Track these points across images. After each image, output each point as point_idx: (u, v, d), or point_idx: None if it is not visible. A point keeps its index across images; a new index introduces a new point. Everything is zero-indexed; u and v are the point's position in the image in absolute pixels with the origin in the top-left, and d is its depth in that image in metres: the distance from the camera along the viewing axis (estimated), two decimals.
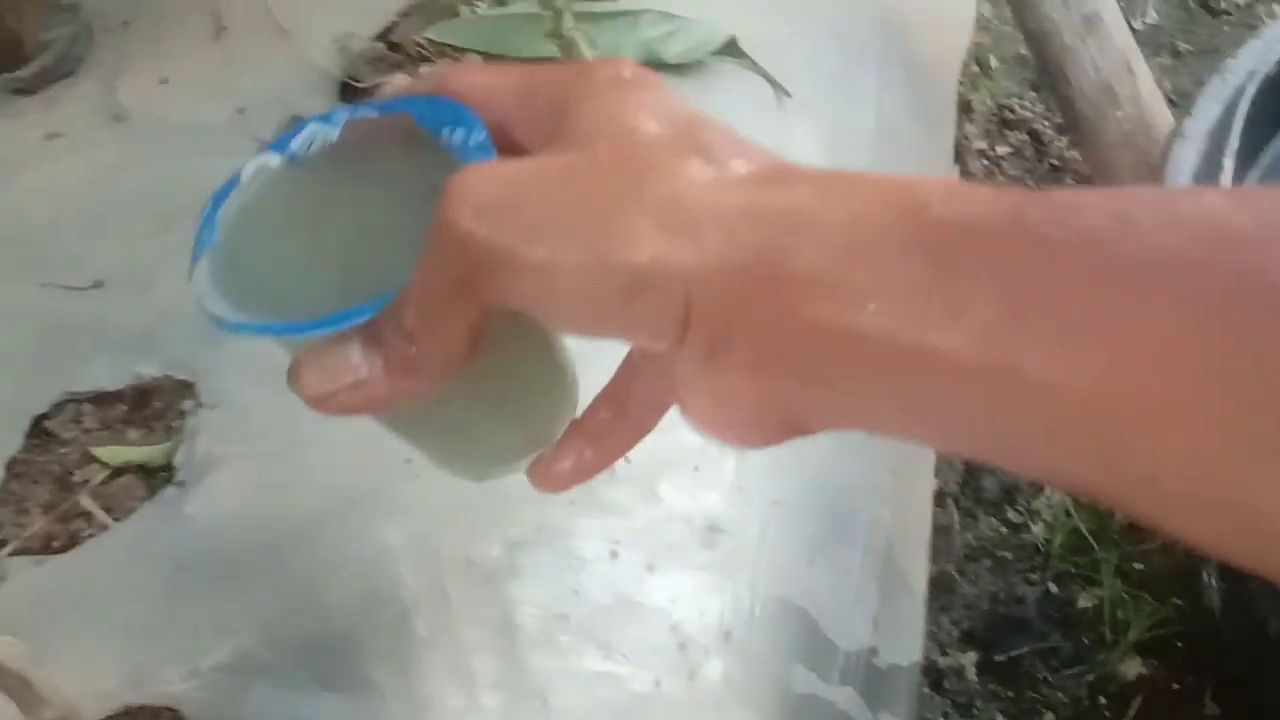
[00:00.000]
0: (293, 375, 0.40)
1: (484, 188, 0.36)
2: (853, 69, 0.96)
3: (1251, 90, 0.84)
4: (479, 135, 0.42)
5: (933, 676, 0.94)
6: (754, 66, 0.83)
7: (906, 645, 0.72)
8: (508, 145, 0.42)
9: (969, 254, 0.31)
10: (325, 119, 0.46)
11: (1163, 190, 0.30)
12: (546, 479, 0.46)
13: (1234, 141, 0.81)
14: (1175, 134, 0.84)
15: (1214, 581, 0.86)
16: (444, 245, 0.36)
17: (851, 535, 0.70)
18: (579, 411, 0.47)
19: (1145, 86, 1.12)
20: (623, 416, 0.45)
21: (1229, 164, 0.81)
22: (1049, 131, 1.42)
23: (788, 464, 0.67)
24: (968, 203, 0.32)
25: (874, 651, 0.68)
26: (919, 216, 0.32)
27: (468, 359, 0.39)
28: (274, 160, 0.46)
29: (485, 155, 0.42)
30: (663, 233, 0.34)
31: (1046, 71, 1.14)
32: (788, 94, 0.84)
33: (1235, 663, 0.93)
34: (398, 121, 0.45)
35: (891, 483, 0.76)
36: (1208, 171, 0.82)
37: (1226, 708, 0.94)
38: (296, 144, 0.46)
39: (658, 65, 0.79)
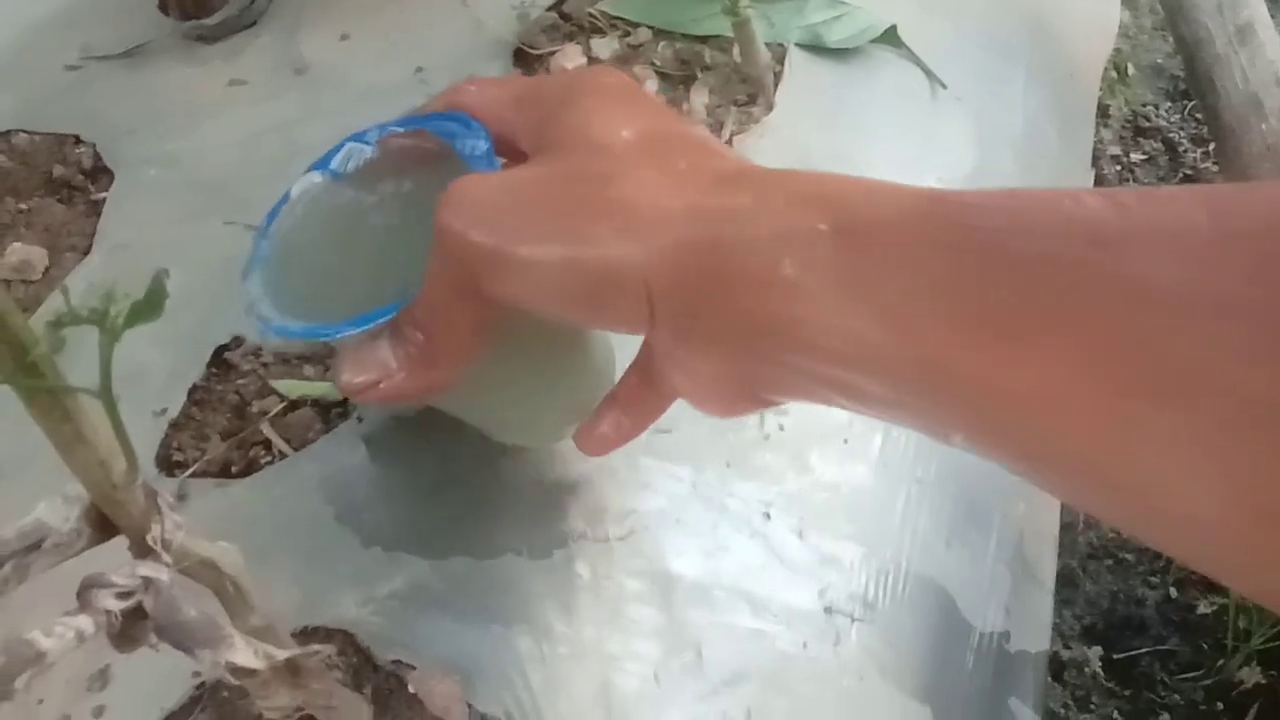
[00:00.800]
0: (333, 370, 0.45)
1: (473, 196, 0.42)
2: (1003, 69, 0.96)
3: None
4: (482, 145, 0.47)
5: (1055, 668, 0.95)
6: (912, 57, 0.84)
7: (1035, 634, 0.73)
8: (513, 152, 0.47)
9: (883, 252, 0.34)
10: (360, 137, 0.52)
11: (1053, 193, 0.32)
12: (589, 443, 0.50)
13: None
14: None
15: None
16: (442, 249, 0.42)
17: (987, 522, 0.71)
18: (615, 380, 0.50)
19: None
20: (650, 385, 0.48)
21: None
22: (1184, 141, 1.41)
23: (930, 446, 0.68)
24: (885, 204, 0.35)
25: (1006, 637, 0.69)
26: (842, 216, 0.36)
27: (479, 348, 0.44)
28: (318, 178, 0.51)
29: (488, 164, 0.46)
30: (621, 235, 0.39)
31: (1194, 79, 1.14)
32: (943, 86, 0.85)
33: None
34: (424, 136, 0.49)
35: None
36: None
37: None
38: (337, 162, 0.51)
39: (820, 48, 0.80)
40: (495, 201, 0.41)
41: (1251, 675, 0.97)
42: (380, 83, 0.77)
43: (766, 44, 0.75)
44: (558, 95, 0.45)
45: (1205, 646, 1.00)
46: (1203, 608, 1.01)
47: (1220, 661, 0.98)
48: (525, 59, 0.77)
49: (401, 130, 0.50)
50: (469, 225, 0.41)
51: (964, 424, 0.34)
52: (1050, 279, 0.30)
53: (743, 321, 0.37)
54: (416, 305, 0.43)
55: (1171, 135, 1.43)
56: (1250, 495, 0.27)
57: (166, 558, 0.39)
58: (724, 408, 0.43)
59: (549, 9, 0.80)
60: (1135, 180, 1.38)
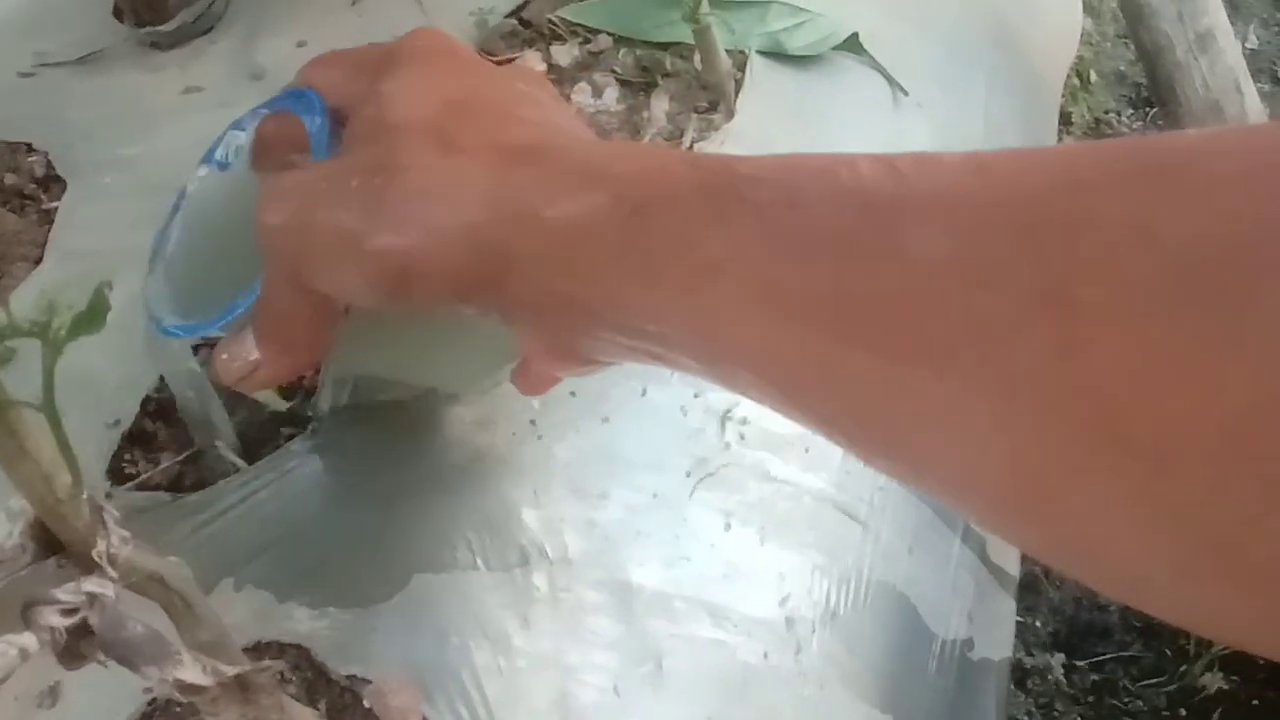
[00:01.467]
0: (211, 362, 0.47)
1: (283, 192, 0.43)
2: (965, 75, 0.96)
3: None
4: (316, 122, 0.46)
5: (1017, 675, 0.95)
6: (874, 64, 0.84)
7: (999, 641, 0.73)
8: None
9: (668, 230, 0.35)
10: (238, 125, 0.51)
11: (830, 159, 0.33)
12: (525, 384, 0.51)
13: None
14: None
15: None
16: (263, 245, 0.43)
17: (950, 529, 0.71)
18: None
19: (1253, 107, 1.12)
20: None
21: None
22: None
23: None
24: (670, 180, 0.36)
25: (969, 644, 0.69)
26: (628, 193, 0.36)
27: (326, 331, 0.45)
28: (204, 171, 0.51)
29: (321, 144, 0.46)
30: (409, 229, 0.39)
31: (1155, 86, 1.14)
32: (905, 92, 0.85)
33: None
34: (290, 117, 0.48)
35: None
36: None
37: None
38: (219, 153, 0.50)
39: (781, 55, 0.80)
40: (301, 198, 0.42)
41: (1214, 681, 0.97)
42: None
43: (728, 51, 0.75)
44: (378, 64, 0.45)
45: (1168, 653, 1.00)
46: None
47: (1183, 667, 0.98)
48: None
49: (267, 113, 0.50)
50: (279, 222, 0.42)
51: (765, 398, 0.35)
52: (823, 251, 0.31)
53: (545, 302, 0.38)
54: (266, 297, 0.44)
55: None
56: (1018, 466, 0.27)
57: (112, 573, 0.38)
58: (563, 368, 0.44)
59: (509, 15, 0.80)
60: None
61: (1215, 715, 0.95)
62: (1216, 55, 1.08)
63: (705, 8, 0.70)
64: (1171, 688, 0.98)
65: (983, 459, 0.28)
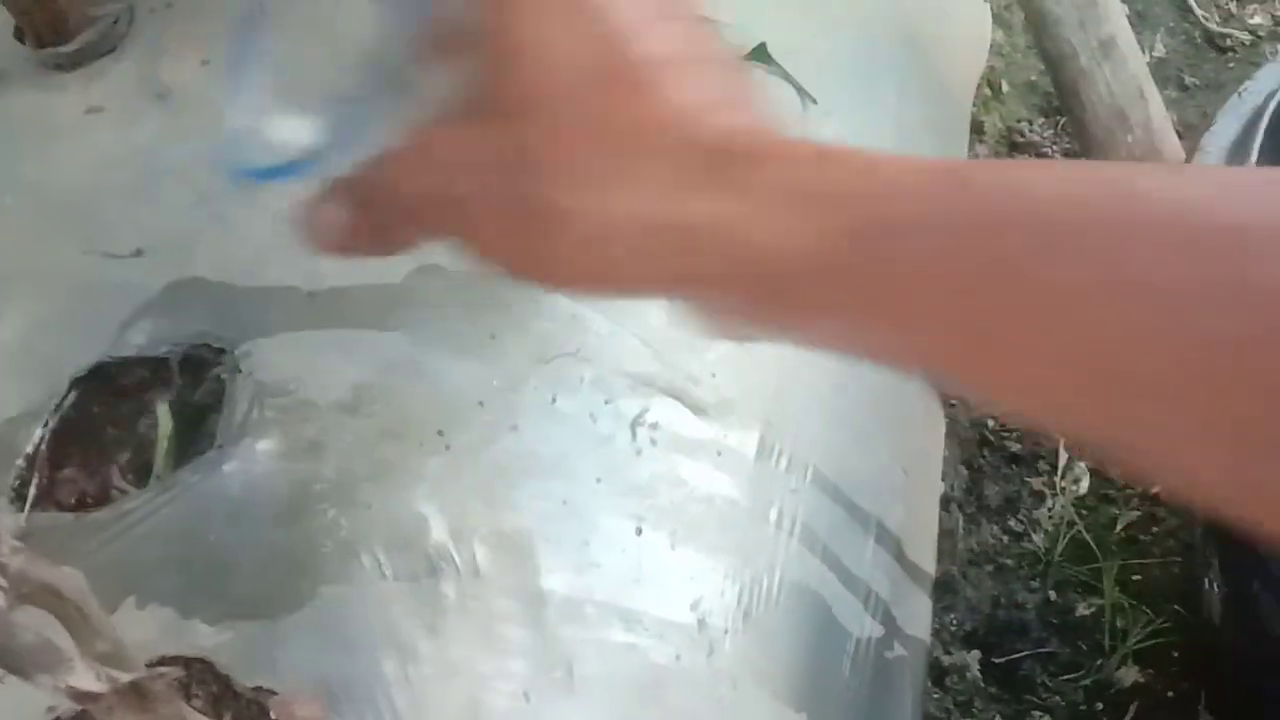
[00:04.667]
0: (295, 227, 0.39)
1: (430, 170, 0.35)
2: (875, 84, 0.97)
3: (1270, 110, 0.86)
4: None
5: (935, 673, 0.96)
6: (782, 73, 0.85)
7: (915, 639, 0.73)
8: None
9: (896, 264, 0.30)
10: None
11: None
12: None
13: (1253, 158, 0.83)
14: (1197, 149, 0.86)
15: (1215, 588, 0.87)
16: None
17: (865, 528, 0.72)
18: None
19: (1156, 113, 1.14)
20: None
21: None
22: (1057, 155, 1.44)
23: (804, 456, 0.68)
24: (903, 209, 0.31)
25: (885, 642, 0.69)
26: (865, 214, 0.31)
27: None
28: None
29: None
30: (590, 276, 0.35)
31: (1061, 94, 1.16)
32: (814, 101, 0.85)
33: (1231, 671, 0.94)
34: None
35: (904, 482, 0.77)
36: None
37: (1220, 715, 0.95)
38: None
39: None
40: (453, 206, 0.35)
41: (1129, 675, 0.98)
42: None
43: None
44: None
45: (1084, 648, 1.01)
46: (1081, 609, 1.03)
47: (1099, 661, 0.99)
48: None
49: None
50: (430, 211, 0.35)
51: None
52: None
53: (730, 312, 0.34)
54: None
55: (1045, 150, 1.45)
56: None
57: (2, 582, 0.37)
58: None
59: None
60: None
61: (1131, 708, 0.96)
62: (1119, 62, 1.10)
63: None
64: (1088, 682, 0.99)
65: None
